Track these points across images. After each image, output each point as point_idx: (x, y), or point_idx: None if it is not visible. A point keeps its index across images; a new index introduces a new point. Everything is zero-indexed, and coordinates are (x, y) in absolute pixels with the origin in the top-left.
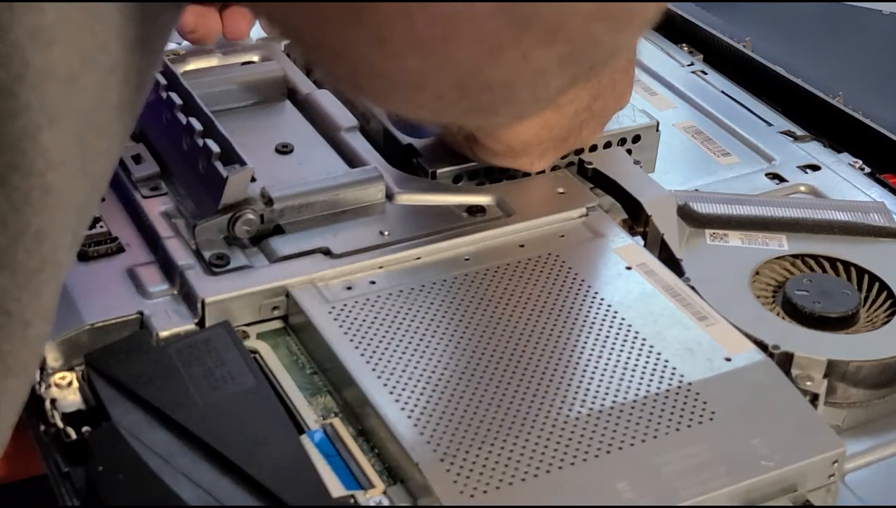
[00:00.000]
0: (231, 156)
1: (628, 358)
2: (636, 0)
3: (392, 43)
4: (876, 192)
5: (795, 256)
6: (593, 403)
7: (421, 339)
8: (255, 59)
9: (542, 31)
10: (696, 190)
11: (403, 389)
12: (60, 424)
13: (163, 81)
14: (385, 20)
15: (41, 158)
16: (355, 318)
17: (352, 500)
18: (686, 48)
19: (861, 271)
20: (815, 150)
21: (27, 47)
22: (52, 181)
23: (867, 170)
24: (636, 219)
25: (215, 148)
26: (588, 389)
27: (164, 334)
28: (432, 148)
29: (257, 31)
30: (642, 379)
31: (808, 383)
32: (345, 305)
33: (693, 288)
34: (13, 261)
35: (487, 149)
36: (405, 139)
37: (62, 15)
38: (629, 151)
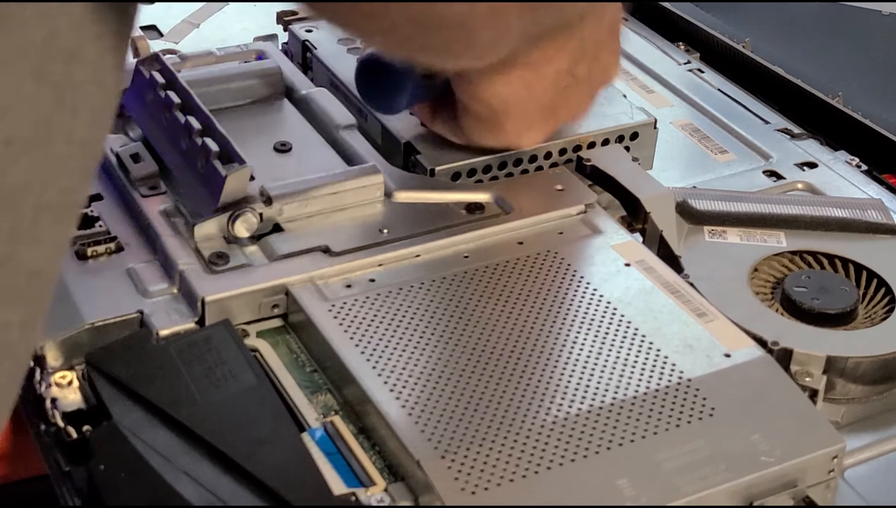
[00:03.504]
0: (230, 155)
1: (628, 354)
2: None
3: None
4: (873, 190)
5: (794, 253)
6: (593, 400)
7: (421, 337)
8: (253, 58)
9: None
10: (694, 187)
11: (404, 386)
12: (61, 423)
13: (161, 81)
14: None
15: None
16: (355, 316)
17: (353, 498)
18: (683, 46)
19: (859, 267)
20: (811, 148)
21: None
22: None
23: (864, 167)
24: (635, 215)
25: (214, 147)
26: (588, 386)
27: (164, 333)
28: (431, 145)
29: (255, 32)
30: (642, 375)
31: (808, 379)
32: (344, 303)
33: (692, 284)
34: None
35: (471, 113)
36: (403, 137)
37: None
38: (627, 149)
